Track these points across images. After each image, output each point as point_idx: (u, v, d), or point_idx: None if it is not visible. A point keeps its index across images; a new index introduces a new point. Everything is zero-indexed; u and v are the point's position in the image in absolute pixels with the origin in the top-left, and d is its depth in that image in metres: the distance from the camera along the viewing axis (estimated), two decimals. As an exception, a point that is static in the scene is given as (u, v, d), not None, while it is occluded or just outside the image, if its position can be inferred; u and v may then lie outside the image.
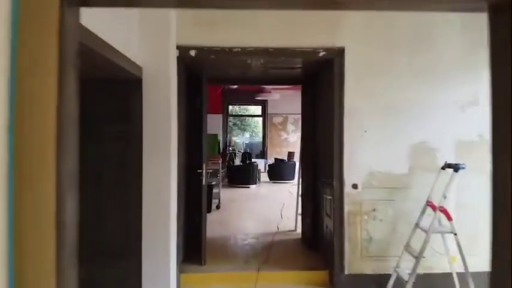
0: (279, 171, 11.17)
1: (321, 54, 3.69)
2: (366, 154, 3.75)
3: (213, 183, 6.87)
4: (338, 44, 3.73)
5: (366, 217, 3.79)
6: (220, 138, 13.10)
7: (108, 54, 2.65)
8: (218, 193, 7.28)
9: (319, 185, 4.39)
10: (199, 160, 4.07)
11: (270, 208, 7.38)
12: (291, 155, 12.86)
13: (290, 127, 14.54)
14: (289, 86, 10.16)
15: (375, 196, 3.78)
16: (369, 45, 3.77)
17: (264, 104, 14.61)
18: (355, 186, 3.74)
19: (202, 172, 4.03)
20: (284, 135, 14.56)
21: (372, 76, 3.77)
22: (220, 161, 10.41)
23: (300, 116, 14.69)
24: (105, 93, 3.32)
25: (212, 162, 7.70)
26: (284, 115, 14.52)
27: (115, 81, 3.27)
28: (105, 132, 3.30)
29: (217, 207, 7.15)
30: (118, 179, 3.27)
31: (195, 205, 4.20)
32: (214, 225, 5.95)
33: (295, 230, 5.58)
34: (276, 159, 11.82)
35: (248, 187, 10.11)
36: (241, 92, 14.15)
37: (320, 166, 4.37)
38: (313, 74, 4.55)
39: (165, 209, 3.28)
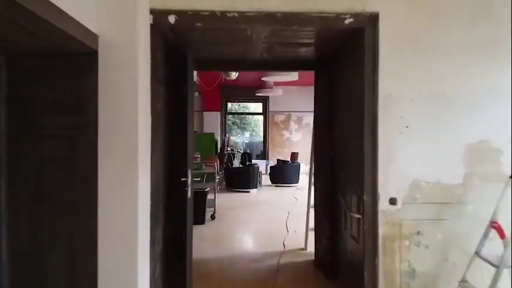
0: (281, 174, 10.19)
1: (347, 21, 2.71)
2: (408, 158, 2.77)
3: (207, 189, 5.88)
4: (370, 8, 2.75)
5: (407, 242, 2.81)
6: (218, 137, 12.12)
7: (46, 14, 1.72)
8: (214, 200, 6.30)
9: (339, 197, 3.41)
10: (185, 166, 3.09)
11: (273, 218, 6.40)
12: (294, 155, 11.88)
13: (293, 126, 13.56)
14: (292, 80, 9.18)
15: (420, 214, 2.80)
16: (412, 11, 2.79)
17: (265, 100, 13.62)
18: (393, 201, 2.76)
19: (187, 181, 3.05)
20: (286, 135, 13.58)
21: (415, 53, 2.79)
22: (218, 163, 9.44)
23: (304, 113, 13.64)
24: (44, 72, 2.35)
25: (207, 165, 6.73)
26: (286, 113, 13.54)
27: (58, 54, 2.30)
28: (43, 127, 2.32)
29: (212, 217, 6.17)
30: (61, 197, 2.29)
31: (178, 222, 3.21)
32: (207, 242, 4.99)
33: (306, 248, 4.60)
34: (278, 160, 10.84)
35: (248, 191, 9.13)
36: (241, 87, 13.16)
37: (341, 172, 3.38)
38: (330, 54, 3.57)
39: (131, 243, 2.31)
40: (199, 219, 5.81)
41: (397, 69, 2.78)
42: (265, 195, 8.93)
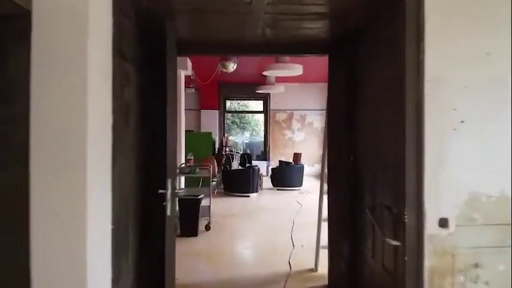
0: (284, 177, 9.48)
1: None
2: (463, 163, 2.06)
3: (201, 196, 5.17)
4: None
5: (461, 278, 2.09)
6: (216, 137, 11.40)
7: None
8: (208, 208, 5.58)
9: (364, 213, 2.69)
10: (163, 175, 2.37)
11: (276, 228, 5.69)
12: (297, 156, 11.17)
13: (295, 125, 12.85)
14: (296, 75, 8.46)
15: (478, 240, 2.09)
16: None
17: (265, 98, 12.91)
18: (443, 222, 2.05)
19: (166, 194, 2.33)
20: (289, 134, 12.87)
21: (473, 25, 2.08)
22: (215, 165, 8.73)
23: (307, 112, 12.86)
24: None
25: (202, 168, 6.01)
26: (289, 111, 12.83)
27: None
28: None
29: (207, 227, 5.45)
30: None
31: (159, 246, 2.49)
32: (198, 259, 4.27)
33: (316, 270, 3.88)
34: (280, 162, 10.12)
35: (248, 196, 8.41)
36: (240, 84, 12.44)
37: (368, 181, 2.66)
38: (350, 32, 2.85)
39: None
40: (192, 231, 5.11)
41: (448, 47, 2.06)
42: (266, 200, 8.21)
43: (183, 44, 2.68)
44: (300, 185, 9.48)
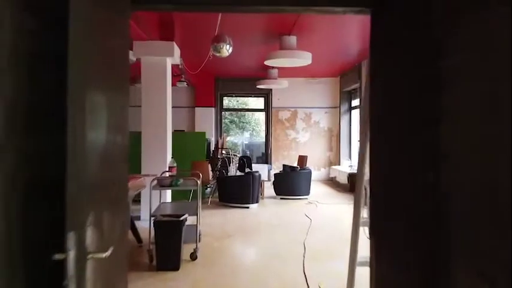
0: (289, 183, 8.21)
1: None
2: None
3: (183, 217, 3.89)
4: None
5: None
6: (212, 138, 10.13)
7: None
8: (196, 229, 4.31)
9: (460, 278, 1.42)
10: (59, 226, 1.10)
11: (283, 256, 4.42)
12: (302, 160, 9.90)
13: (300, 124, 11.59)
14: (303, 66, 7.21)
15: None
16: None
17: (267, 95, 11.65)
18: None
19: (66, 262, 1.06)
20: (292, 135, 11.61)
21: None
22: (209, 170, 7.46)
23: (312, 110, 11.48)
24: None
25: (188, 178, 4.74)
26: (292, 109, 11.57)
27: None
28: None
29: (193, 256, 4.18)
30: None
31: None
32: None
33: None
34: (284, 166, 8.84)
35: (247, 207, 7.14)
36: (239, 79, 11.19)
37: (475, 223, 1.38)
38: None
39: None
40: (172, 263, 3.84)
41: None
42: (269, 213, 6.93)
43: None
44: (308, 193, 8.22)
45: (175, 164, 4.39)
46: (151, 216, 4.07)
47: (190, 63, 7.73)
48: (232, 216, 6.53)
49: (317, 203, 7.71)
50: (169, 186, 4.11)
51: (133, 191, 4.21)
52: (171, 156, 5.97)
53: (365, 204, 2.52)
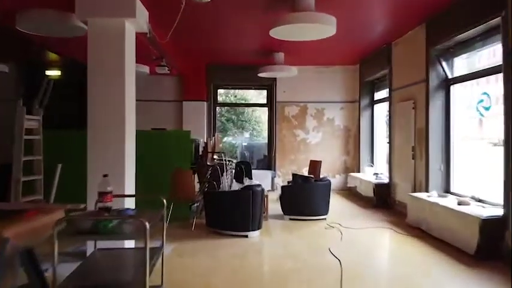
0: (300, 199, 6.20)
1: None
2: None
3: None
4: None
5: None
6: (203, 139, 8.10)
7: None
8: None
9: None
10: None
11: None
12: (315, 166, 7.90)
13: (311, 122, 9.59)
14: (322, 37, 5.26)
15: None
16: None
17: (270, 86, 9.64)
18: None
19: None
20: (301, 135, 9.61)
21: None
22: (192, 184, 5.48)
23: (326, 105, 9.49)
24: None
25: (128, 217, 2.74)
26: (301, 104, 9.57)
27: None
28: None
29: None
30: None
31: None
32: None
33: None
34: (295, 176, 6.80)
35: (245, 236, 5.14)
36: (236, 67, 9.18)
37: None
38: None
39: None
40: None
41: None
42: (276, 247, 4.94)
43: None
44: (326, 212, 6.21)
45: (110, 188, 2.38)
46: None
47: (159, 22, 5.39)
48: (225, 253, 4.52)
49: (340, 226, 5.71)
50: (91, 233, 2.11)
51: (27, 242, 2.21)
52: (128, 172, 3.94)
53: None
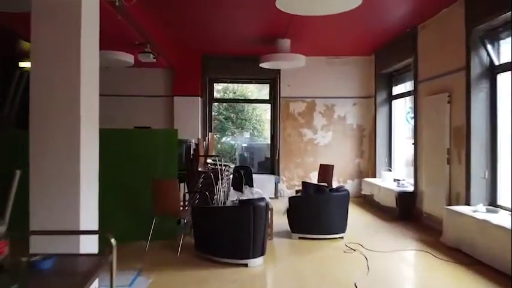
0: (313, 214, 5.09)
1: None
2: None
3: None
4: None
5: None
6: (194, 140, 6.97)
7: None
8: None
9: None
10: None
11: None
12: (326, 170, 6.81)
13: (319, 120, 8.49)
14: (342, 10, 4.16)
15: None
16: None
17: (274, 80, 8.54)
18: None
19: None
20: (309, 135, 8.51)
21: None
22: (178, 198, 4.40)
23: (336, 100, 8.11)
24: None
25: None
26: (309, 99, 8.47)
27: None
28: None
29: None
30: None
31: None
32: None
33: None
34: (305, 184, 5.68)
35: (245, 265, 4.03)
36: (235, 58, 8.08)
37: None
38: None
39: None
40: None
41: None
42: (283, 281, 3.86)
43: None
44: (343, 229, 5.11)
45: (1, 229, 1.26)
46: None
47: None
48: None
49: (362, 248, 4.62)
50: None
51: None
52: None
53: None
